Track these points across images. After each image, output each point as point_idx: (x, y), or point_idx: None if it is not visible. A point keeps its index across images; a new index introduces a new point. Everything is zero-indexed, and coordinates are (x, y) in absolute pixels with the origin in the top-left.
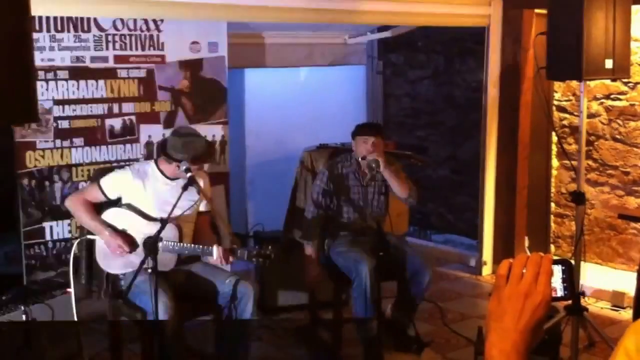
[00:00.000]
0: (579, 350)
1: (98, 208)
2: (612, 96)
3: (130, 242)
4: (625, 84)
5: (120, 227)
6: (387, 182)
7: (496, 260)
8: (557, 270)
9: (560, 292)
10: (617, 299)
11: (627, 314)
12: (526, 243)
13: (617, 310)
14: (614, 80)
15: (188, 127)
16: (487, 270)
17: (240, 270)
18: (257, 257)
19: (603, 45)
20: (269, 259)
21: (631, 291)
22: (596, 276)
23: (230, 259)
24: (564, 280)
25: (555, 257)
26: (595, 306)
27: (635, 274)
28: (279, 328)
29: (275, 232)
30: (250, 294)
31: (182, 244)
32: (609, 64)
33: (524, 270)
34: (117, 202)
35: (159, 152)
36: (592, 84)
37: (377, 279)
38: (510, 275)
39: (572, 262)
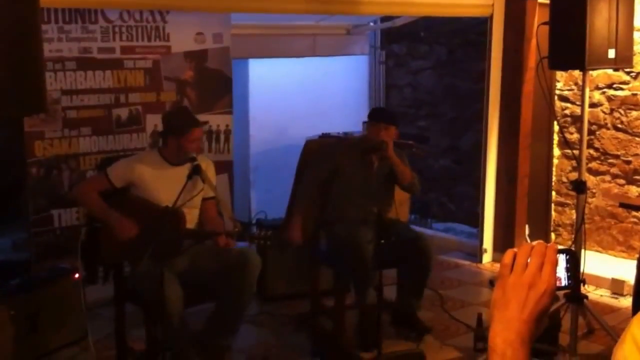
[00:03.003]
0: (578, 337)
1: (105, 197)
2: (614, 86)
3: (136, 226)
4: (628, 73)
5: (126, 215)
6: (393, 168)
7: (496, 248)
8: (562, 259)
9: (564, 282)
10: (616, 287)
11: (626, 301)
12: (527, 231)
13: (616, 298)
14: (616, 69)
15: (178, 107)
16: (487, 258)
17: None
18: (258, 240)
19: (606, 35)
20: (269, 241)
21: (631, 279)
22: (596, 264)
23: (232, 242)
24: (568, 270)
25: (560, 247)
26: (595, 294)
27: (635, 262)
28: (280, 315)
29: (278, 220)
30: (256, 263)
31: (187, 229)
32: (611, 53)
33: (529, 260)
34: (123, 191)
35: (164, 135)
36: (594, 73)
37: (379, 266)
38: (514, 265)
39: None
